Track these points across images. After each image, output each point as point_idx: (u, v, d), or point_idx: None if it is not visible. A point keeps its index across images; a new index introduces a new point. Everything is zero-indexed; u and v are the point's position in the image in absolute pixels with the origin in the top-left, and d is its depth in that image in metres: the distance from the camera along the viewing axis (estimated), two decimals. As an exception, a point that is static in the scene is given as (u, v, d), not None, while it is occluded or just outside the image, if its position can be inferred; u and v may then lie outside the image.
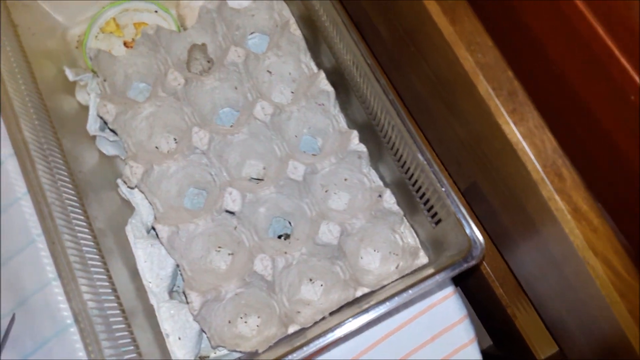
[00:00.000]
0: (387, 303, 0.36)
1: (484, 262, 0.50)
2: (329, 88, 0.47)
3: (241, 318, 0.44)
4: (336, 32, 0.44)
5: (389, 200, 0.44)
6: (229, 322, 0.43)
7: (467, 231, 0.37)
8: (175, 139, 0.49)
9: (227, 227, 0.45)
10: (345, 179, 0.47)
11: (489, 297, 0.51)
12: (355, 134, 0.45)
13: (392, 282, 0.42)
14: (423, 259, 0.43)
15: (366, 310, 0.37)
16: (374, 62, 0.42)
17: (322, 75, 0.47)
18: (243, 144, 0.47)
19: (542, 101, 0.34)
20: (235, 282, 0.42)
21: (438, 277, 0.36)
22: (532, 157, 0.33)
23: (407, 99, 0.46)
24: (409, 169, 0.41)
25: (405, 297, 0.36)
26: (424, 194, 0.41)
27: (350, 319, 0.37)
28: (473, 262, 0.37)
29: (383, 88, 0.41)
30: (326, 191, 0.48)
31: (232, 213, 0.44)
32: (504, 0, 0.35)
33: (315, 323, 0.41)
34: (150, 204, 0.45)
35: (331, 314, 0.42)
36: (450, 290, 0.49)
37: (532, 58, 0.35)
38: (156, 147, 0.49)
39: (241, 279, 0.42)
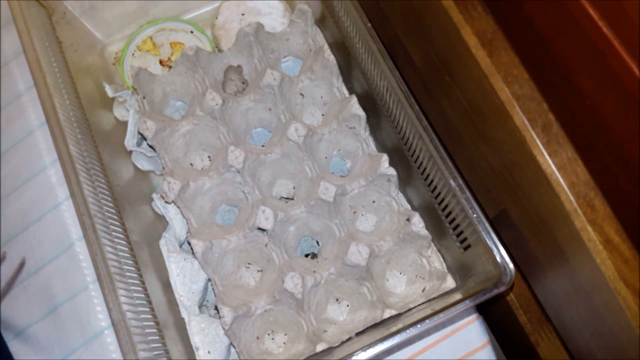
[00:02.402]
0: (418, 326, 0.37)
1: (508, 289, 0.51)
2: (361, 112, 0.48)
3: (268, 335, 0.45)
4: (370, 59, 0.46)
5: (418, 224, 0.45)
6: (257, 337, 0.44)
7: (498, 258, 0.38)
8: (209, 157, 0.51)
9: (258, 244, 0.46)
10: (373, 201, 0.48)
11: (512, 323, 0.51)
12: (385, 158, 0.46)
13: (419, 305, 0.43)
14: (450, 283, 0.44)
15: (395, 334, 0.38)
16: (406, 88, 0.44)
17: (355, 99, 0.48)
18: (275, 164, 0.49)
19: (576, 134, 0.35)
20: (265, 298, 0.43)
21: (468, 302, 0.37)
22: (566, 188, 0.34)
23: (438, 125, 0.47)
24: (439, 194, 0.42)
25: (435, 320, 0.37)
26: (453, 219, 0.42)
27: (379, 343, 0.38)
28: (503, 289, 0.37)
29: (417, 115, 0.42)
30: (354, 212, 0.49)
31: (263, 231, 0.45)
32: (539, 35, 0.36)
33: (343, 343, 0.41)
34: (185, 219, 0.46)
35: (358, 334, 0.42)
36: (473, 315, 0.49)
37: (567, 91, 0.36)
38: (191, 164, 0.50)
39: (271, 295, 0.43)
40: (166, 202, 0.46)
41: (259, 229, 0.45)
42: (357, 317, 0.44)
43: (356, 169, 0.50)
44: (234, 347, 0.43)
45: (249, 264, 0.47)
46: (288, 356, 0.43)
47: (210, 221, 0.48)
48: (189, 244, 0.44)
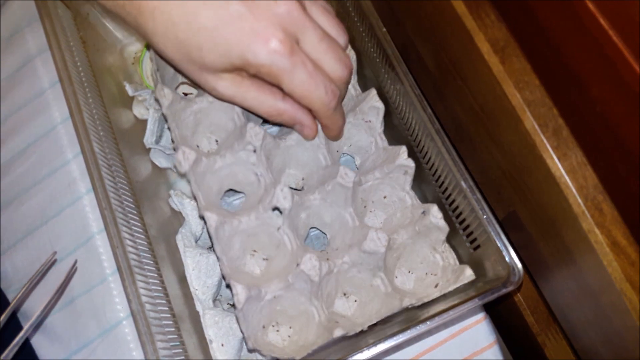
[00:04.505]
0: (428, 322, 0.38)
1: (515, 290, 0.51)
2: (380, 105, 0.48)
3: (273, 326, 0.45)
4: (384, 62, 0.47)
5: (437, 214, 0.44)
6: (263, 327, 0.44)
7: (507, 258, 0.39)
8: (217, 141, 0.50)
9: (270, 227, 0.45)
10: (385, 197, 0.48)
11: (519, 324, 0.52)
12: (404, 149, 0.46)
13: (432, 300, 0.43)
14: (469, 275, 0.43)
15: (402, 331, 0.39)
16: (419, 91, 0.45)
17: (374, 92, 0.48)
18: (287, 151, 0.48)
19: (585, 139, 0.36)
20: (277, 283, 0.42)
21: (477, 300, 0.38)
22: (574, 191, 0.35)
23: (450, 128, 0.48)
24: (450, 194, 0.43)
25: (444, 317, 0.38)
26: (464, 220, 0.43)
27: (385, 340, 0.39)
28: (511, 288, 0.38)
29: (429, 117, 0.43)
30: (364, 207, 0.49)
31: (278, 213, 0.44)
32: (550, 43, 0.37)
33: (362, 332, 0.41)
34: (194, 196, 0.45)
35: (372, 327, 0.42)
36: (481, 315, 0.50)
37: (577, 98, 0.37)
38: (197, 146, 0.49)
39: (283, 279, 0.42)
40: (179, 172, 0.45)
41: (275, 209, 0.44)
42: (367, 312, 0.44)
43: (368, 164, 0.49)
44: (241, 332, 0.42)
45: (255, 251, 0.46)
46: (295, 348, 0.43)
47: (217, 204, 0.47)
48: (203, 219, 0.43)
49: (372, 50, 0.49)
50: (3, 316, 0.46)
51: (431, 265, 0.46)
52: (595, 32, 0.31)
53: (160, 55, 0.43)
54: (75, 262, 0.51)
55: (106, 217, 0.40)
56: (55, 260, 0.52)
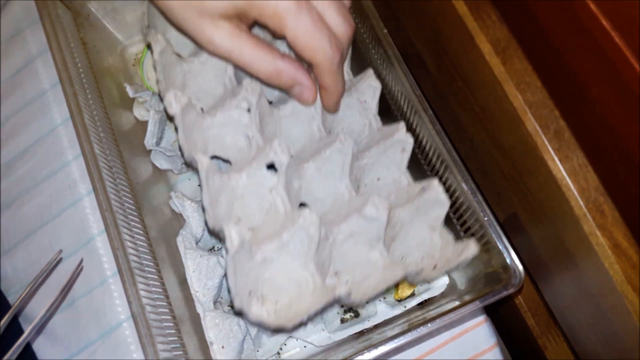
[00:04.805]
0: (429, 325, 0.38)
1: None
2: (376, 84, 0.46)
3: (258, 299, 0.39)
4: (385, 64, 0.47)
5: (437, 187, 0.41)
6: (250, 292, 0.39)
7: (508, 260, 0.39)
8: (202, 109, 0.46)
9: (262, 188, 0.41)
10: (378, 179, 0.46)
11: (520, 326, 0.52)
12: (402, 125, 0.43)
13: (432, 300, 0.43)
14: (472, 249, 0.40)
15: (403, 333, 0.39)
16: (420, 93, 0.45)
17: (371, 71, 0.47)
18: (280, 122, 0.45)
19: (587, 140, 0.35)
20: (268, 243, 0.38)
21: (478, 302, 0.38)
22: (576, 193, 0.34)
23: (451, 129, 0.48)
24: (451, 196, 0.43)
25: (445, 320, 0.38)
26: (465, 222, 0.43)
27: (386, 343, 0.38)
28: (512, 290, 0.38)
29: (430, 119, 0.43)
30: (357, 187, 0.45)
31: (274, 171, 0.41)
32: (552, 44, 0.37)
33: (363, 332, 0.40)
34: (180, 147, 0.41)
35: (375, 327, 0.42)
36: (482, 318, 0.50)
37: (578, 99, 0.37)
38: None
39: (277, 238, 0.38)
40: (169, 113, 0.41)
41: (269, 167, 0.40)
42: (361, 289, 0.40)
43: (361, 147, 0.46)
44: (229, 290, 0.38)
45: (240, 219, 0.41)
46: (282, 321, 0.38)
47: None
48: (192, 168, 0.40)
49: (373, 51, 0.48)
50: (6, 317, 0.46)
51: (427, 248, 0.43)
52: (597, 33, 0.31)
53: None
54: (82, 260, 0.50)
55: (107, 219, 0.40)
56: (60, 259, 0.52)
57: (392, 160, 0.45)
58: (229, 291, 0.44)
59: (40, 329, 0.52)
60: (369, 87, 0.46)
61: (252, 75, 0.41)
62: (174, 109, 0.40)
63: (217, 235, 0.40)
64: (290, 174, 0.41)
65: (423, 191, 0.42)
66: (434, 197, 0.41)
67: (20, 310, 0.53)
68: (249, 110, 0.41)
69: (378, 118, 0.47)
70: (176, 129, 0.41)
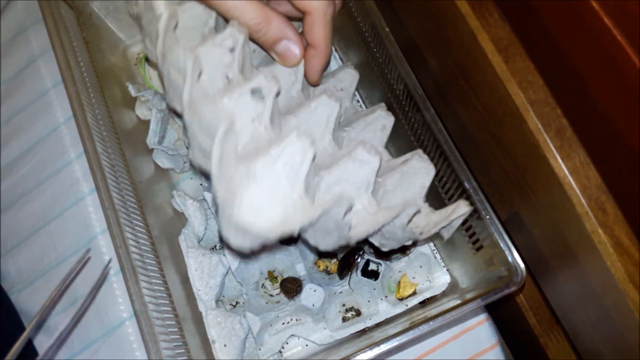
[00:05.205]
0: (431, 323, 0.38)
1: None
2: (355, 73, 0.46)
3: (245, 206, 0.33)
4: (387, 63, 0.47)
5: (422, 155, 0.39)
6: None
7: (509, 258, 0.39)
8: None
9: (243, 118, 0.35)
10: None
11: (522, 325, 0.52)
12: (382, 105, 0.42)
13: (433, 300, 0.43)
14: (465, 207, 0.38)
15: (405, 331, 0.39)
16: (422, 92, 0.45)
17: (350, 64, 0.47)
18: None
19: (588, 139, 0.35)
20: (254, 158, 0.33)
21: (480, 301, 0.38)
22: (578, 191, 0.34)
23: (453, 128, 0.48)
24: (453, 195, 0.43)
25: (447, 317, 0.38)
26: (466, 220, 0.43)
27: (387, 341, 0.38)
28: (514, 289, 0.38)
29: (432, 118, 0.43)
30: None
31: (258, 98, 0.36)
32: (554, 42, 0.37)
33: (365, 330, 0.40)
34: (162, 79, 0.39)
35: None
36: (483, 316, 0.50)
37: (580, 97, 0.37)
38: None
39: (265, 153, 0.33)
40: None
41: (254, 92, 0.35)
42: (354, 235, 0.37)
43: (342, 124, 0.44)
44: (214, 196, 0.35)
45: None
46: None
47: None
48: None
49: (375, 50, 0.49)
50: (32, 323, 0.43)
51: (410, 229, 0.39)
52: (599, 32, 0.31)
53: None
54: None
55: (109, 218, 0.40)
56: (89, 258, 0.52)
57: (373, 137, 0.43)
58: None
59: (42, 327, 0.52)
60: (348, 75, 0.45)
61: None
62: (160, 8, 0.37)
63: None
64: (276, 105, 0.37)
65: (407, 160, 0.40)
66: (419, 165, 0.39)
67: (23, 309, 0.53)
68: (232, 50, 0.37)
69: (355, 104, 0.46)
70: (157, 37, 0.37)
